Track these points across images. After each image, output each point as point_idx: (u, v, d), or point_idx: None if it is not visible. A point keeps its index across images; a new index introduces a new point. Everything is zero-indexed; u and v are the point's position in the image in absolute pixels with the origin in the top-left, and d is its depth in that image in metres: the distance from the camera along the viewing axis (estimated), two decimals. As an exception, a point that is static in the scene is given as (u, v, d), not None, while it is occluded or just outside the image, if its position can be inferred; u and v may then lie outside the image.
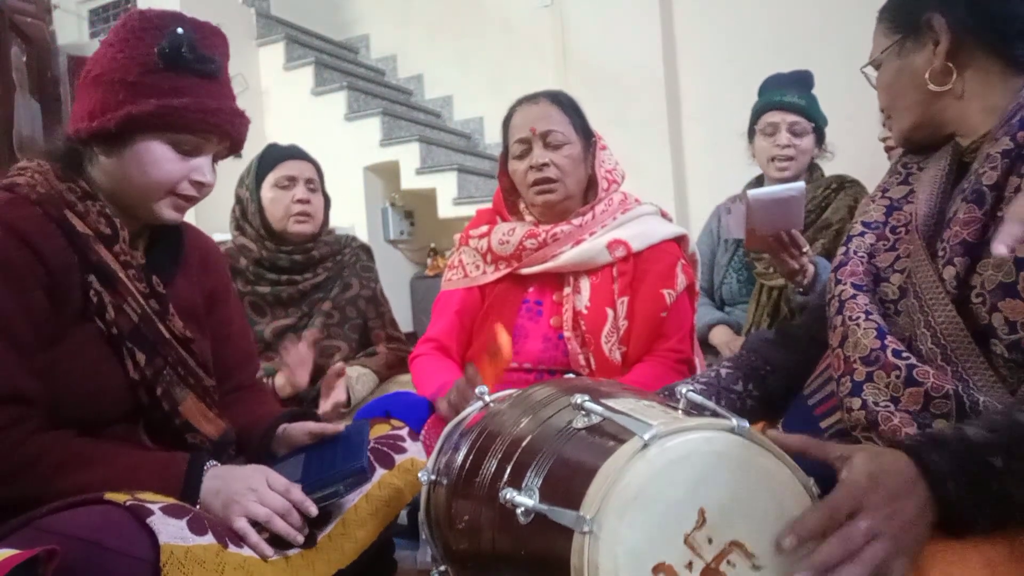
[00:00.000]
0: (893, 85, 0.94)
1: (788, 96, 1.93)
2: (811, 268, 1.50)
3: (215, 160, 1.07)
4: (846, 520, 0.62)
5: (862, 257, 0.93)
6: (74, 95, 1.03)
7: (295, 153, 1.80)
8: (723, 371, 1.07)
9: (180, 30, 0.97)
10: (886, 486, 0.63)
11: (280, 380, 1.61)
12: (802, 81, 1.97)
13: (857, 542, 0.60)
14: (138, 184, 1.00)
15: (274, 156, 1.79)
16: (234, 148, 1.09)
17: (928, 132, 0.94)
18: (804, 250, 1.49)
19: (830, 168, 2.05)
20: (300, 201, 1.73)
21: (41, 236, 0.92)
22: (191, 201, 1.06)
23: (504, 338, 1.11)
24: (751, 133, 2.02)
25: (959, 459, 0.66)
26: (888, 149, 1.93)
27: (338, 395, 1.59)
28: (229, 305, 1.25)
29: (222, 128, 1.02)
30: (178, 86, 0.98)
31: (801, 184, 1.51)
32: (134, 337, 0.98)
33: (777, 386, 1.06)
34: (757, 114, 1.99)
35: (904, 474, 0.65)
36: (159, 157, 0.99)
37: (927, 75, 0.88)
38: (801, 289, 1.53)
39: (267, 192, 1.75)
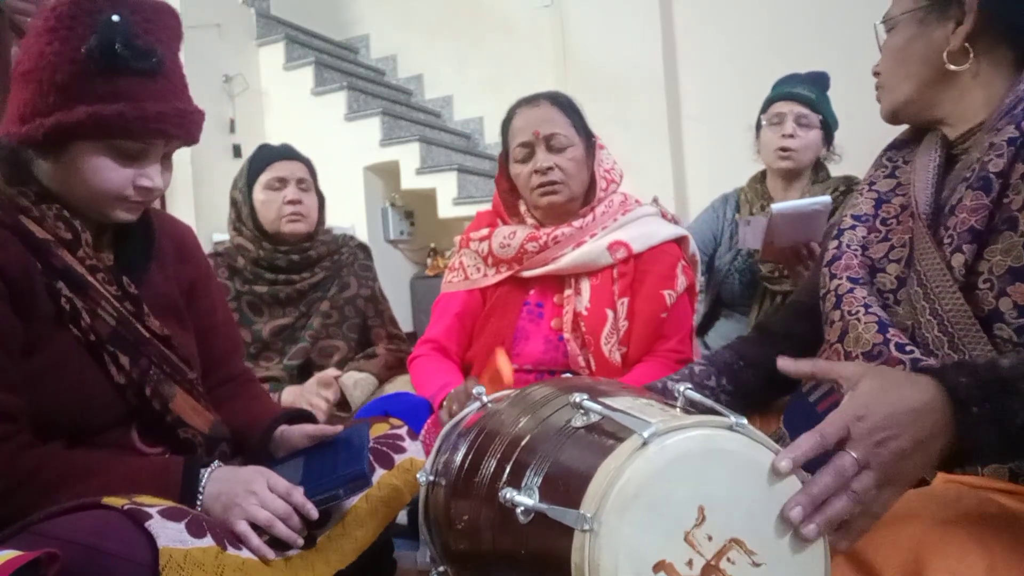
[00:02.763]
0: (903, 51, 0.91)
1: (798, 87, 1.90)
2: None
3: (167, 155, 1.00)
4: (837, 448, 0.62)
5: (855, 251, 0.93)
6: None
7: (285, 153, 1.80)
8: (697, 368, 1.06)
9: (115, 17, 0.86)
10: (881, 413, 0.63)
11: (288, 398, 1.61)
12: (817, 80, 1.94)
13: (846, 474, 0.60)
14: (80, 191, 0.94)
15: (264, 158, 1.78)
16: (187, 143, 1.00)
17: (917, 110, 0.93)
18: None
19: (832, 169, 2.04)
20: (292, 202, 1.73)
21: None
22: (142, 204, 1.00)
23: (504, 364, 1.11)
24: (758, 127, 1.98)
25: (988, 385, 0.64)
26: None
27: (319, 404, 1.60)
28: (211, 294, 1.20)
29: (166, 132, 0.93)
30: (113, 90, 0.88)
31: (827, 199, 1.49)
32: (114, 341, 0.94)
33: (751, 380, 1.05)
34: (766, 106, 1.96)
35: (913, 400, 0.64)
36: (98, 166, 0.92)
37: (945, 53, 0.86)
38: None
39: (259, 194, 1.75)
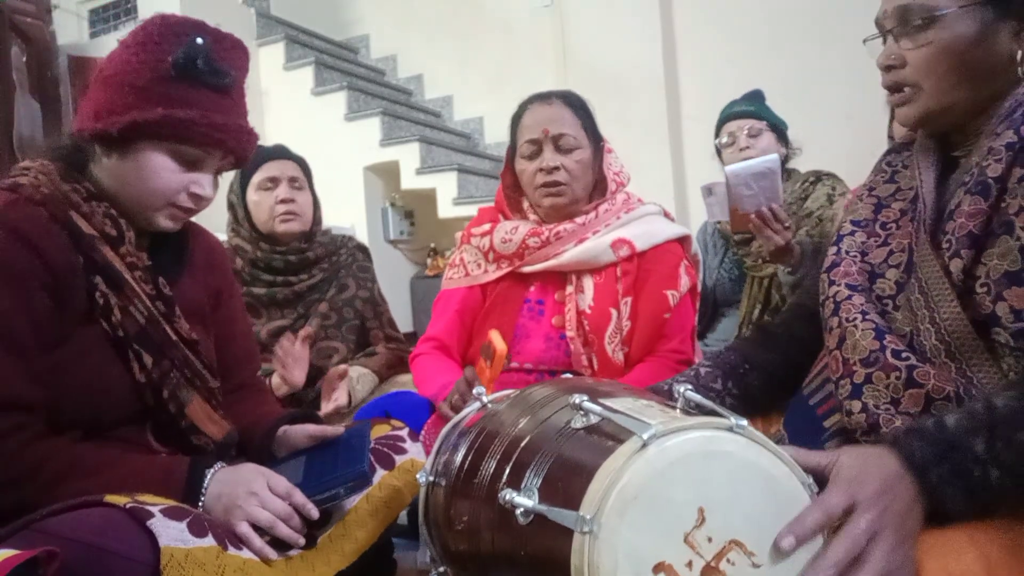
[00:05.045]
0: (961, 53, 0.82)
1: (737, 107, 2.06)
2: (797, 248, 1.59)
3: (218, 172, 1.06)
4: (844, 517, 0.63)
5: (854, 257, 0.93)
6: (75, 95, 1.03)
7: (277, 153, 1.80)
8: (703, 370, 1.06)
9: (199, 40, 0.96)
10: (875, 480, 0.65)
11: (276, 380, 1.61)
12: (752, 97, 2.09)
13: (861, 541, 0.61)
14: (136, 190, 1.00)
15: (256, 159, 1.77)
16: (238, 163, 1.08)
17: (955, 118, 0.87)
18: (787, 224, 1.57)
19: (827, 166, 2.07)
20: (284, 201, 1.73)
21: (45, 237, 0.91)
22: (188, 212, 1.05)
23: (498, 341, 1.11)
24: (718, 151, 2.10)
25: (939, 446, 0.67)
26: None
27: (340, 397, 1.59)
28: (233, 303, 1.25)
29: (226, 144, 1.01)
30: (187, 97, 0.96)
31: (775, 156, 1.61)
32: (140, 339, 0.98)
33: (757, 384, 1.05)
34: (717, 131, 2.10)
35: (890, 468, 0.66)
36: (159, 167, 0.98)
37: (1020, 56, 0.81)
38: (790, 269, 1.62)
39: (252, 195, 1.75)
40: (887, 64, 0.89)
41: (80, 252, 0.94)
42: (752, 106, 2.04)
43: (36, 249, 0.90)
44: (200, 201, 1.04)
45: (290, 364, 1.57)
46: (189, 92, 0.97)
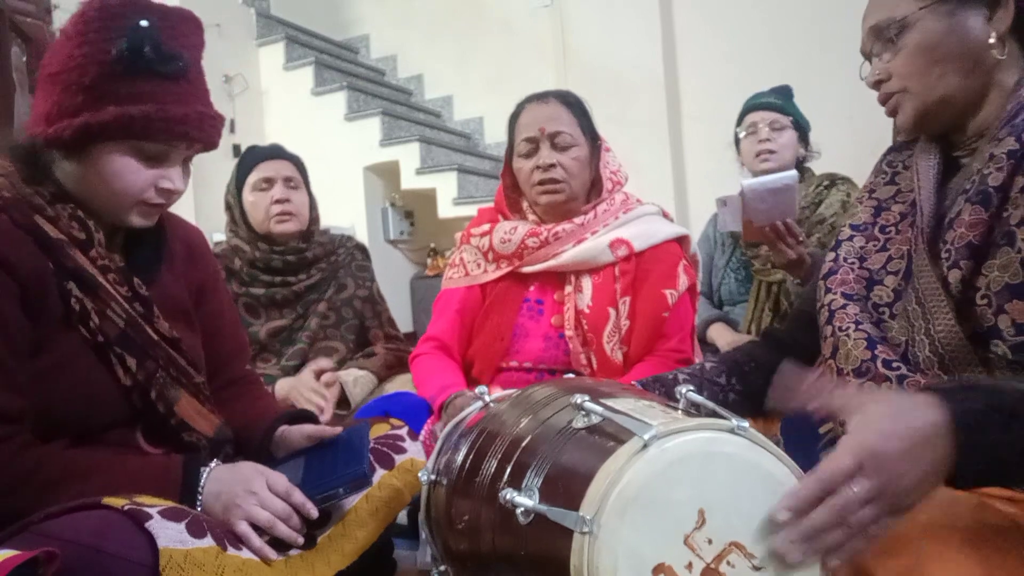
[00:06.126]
0: (936, 49, 0.84)
1: (763, 98, 2.04)
2: (809, 260, 1.55)
3: (187, 160, 1.01)
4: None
5: (852, 264, 0.92)
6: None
7: (272, 153, 1.80)
8: (708, 365, 1.07)
9: (143, 23, 0.89)
10: (898, 441, 0.60)
11: (281, 391, 1.61)
12: (781, 91, 2.07)
13: (852, 510, 0.58)
14: (102, 192, 0.95)
15: (251, 160, 1.78)
16: (207, 148, 1.01)
17: (952, 113, 0.87)
18: (800, 239, 1.54)
19: (828, 167, 2.07)
20: (279, 201, 1.72)
21: (9, 244, 0.87)
22: (161, 207, 1.01)
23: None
24: (736, 141, 2.09)
25: (992, 405, 0.62)
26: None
27: (326, 409, 1.58)
28: (219, 296, 1.21)
29: (189, 136, 0.95)
30: (139, 91, 0.90)
31: (794, 172, 1.57)
32: (122, 342, 0.94)
33: (759, 382, 1.04)
34: (739, 120, 2.09)
35: (926, 423, 0.61)
36: (122, 167, 0.93)
37: (992, 38, 0.80)
38: (799, 280, 1.60)
39: (248, 196, 1.75)
40: (875, 81, 0.91)
41: (49, 257, 0.90)
42: (779, 99, 2.02)
43: (1, 258, 0.85)
44: (171, 195, 0.99)
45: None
46: (141, 84, 0.90)
